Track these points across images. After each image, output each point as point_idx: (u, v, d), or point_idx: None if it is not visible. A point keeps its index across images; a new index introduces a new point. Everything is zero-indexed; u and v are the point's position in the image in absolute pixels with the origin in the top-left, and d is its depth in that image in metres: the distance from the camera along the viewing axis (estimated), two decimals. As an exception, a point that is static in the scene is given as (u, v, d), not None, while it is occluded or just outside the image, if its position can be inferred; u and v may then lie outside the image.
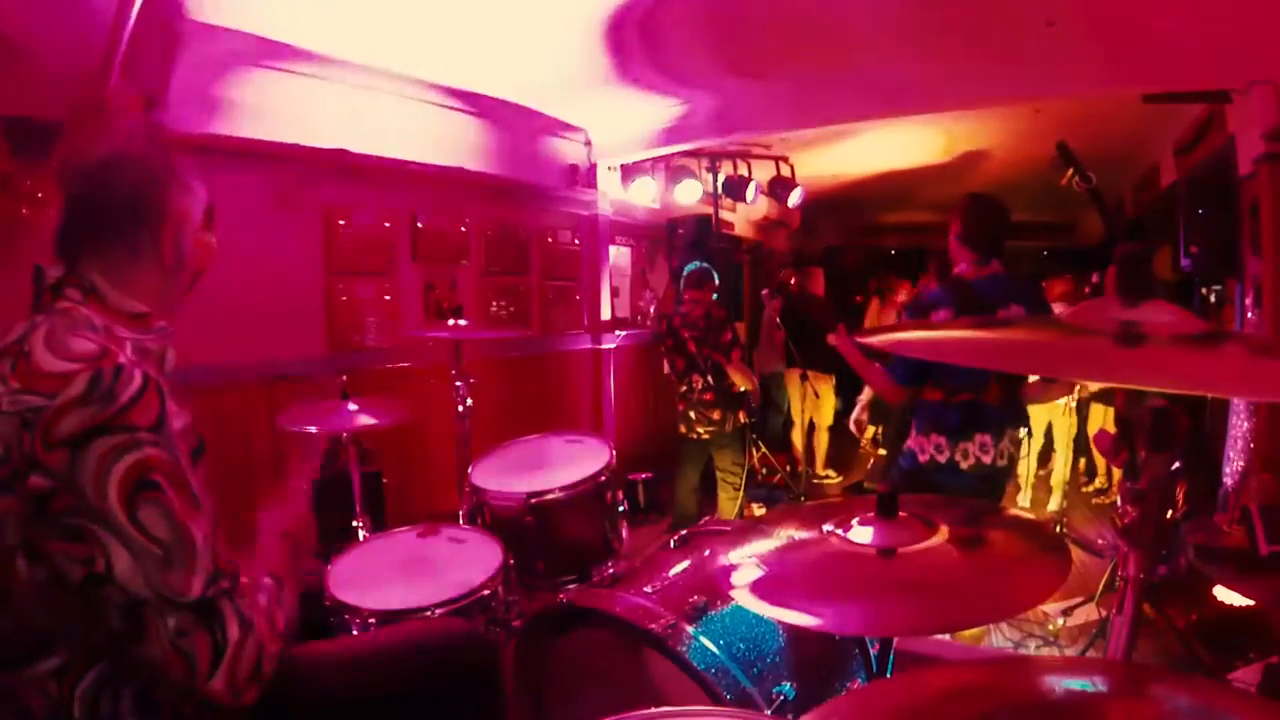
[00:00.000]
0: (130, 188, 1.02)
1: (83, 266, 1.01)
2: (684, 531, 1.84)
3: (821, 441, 5.63)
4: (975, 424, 2.30)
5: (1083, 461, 5.06)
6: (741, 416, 3.78)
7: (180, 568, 0.88)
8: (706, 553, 1.13)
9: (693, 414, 3.74)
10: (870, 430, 6.32)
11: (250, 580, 1.03)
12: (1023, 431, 2.36)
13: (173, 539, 0.88)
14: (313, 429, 2.06)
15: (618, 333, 4.82)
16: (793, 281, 5.44)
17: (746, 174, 4.94)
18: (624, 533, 2.28)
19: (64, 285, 0.99)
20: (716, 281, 3.83)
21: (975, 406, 2.29)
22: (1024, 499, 4.90)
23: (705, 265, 3.86)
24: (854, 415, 3.30)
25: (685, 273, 3.84)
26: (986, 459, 2.29)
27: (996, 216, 2.38)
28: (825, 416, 5.56)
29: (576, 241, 4.56)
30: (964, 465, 2.31)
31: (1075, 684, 0.59)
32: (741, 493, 3.87)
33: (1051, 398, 2.45)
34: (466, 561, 1.81)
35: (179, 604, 0.87)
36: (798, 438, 5.57)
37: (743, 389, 3.75)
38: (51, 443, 0.85)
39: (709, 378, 3.67)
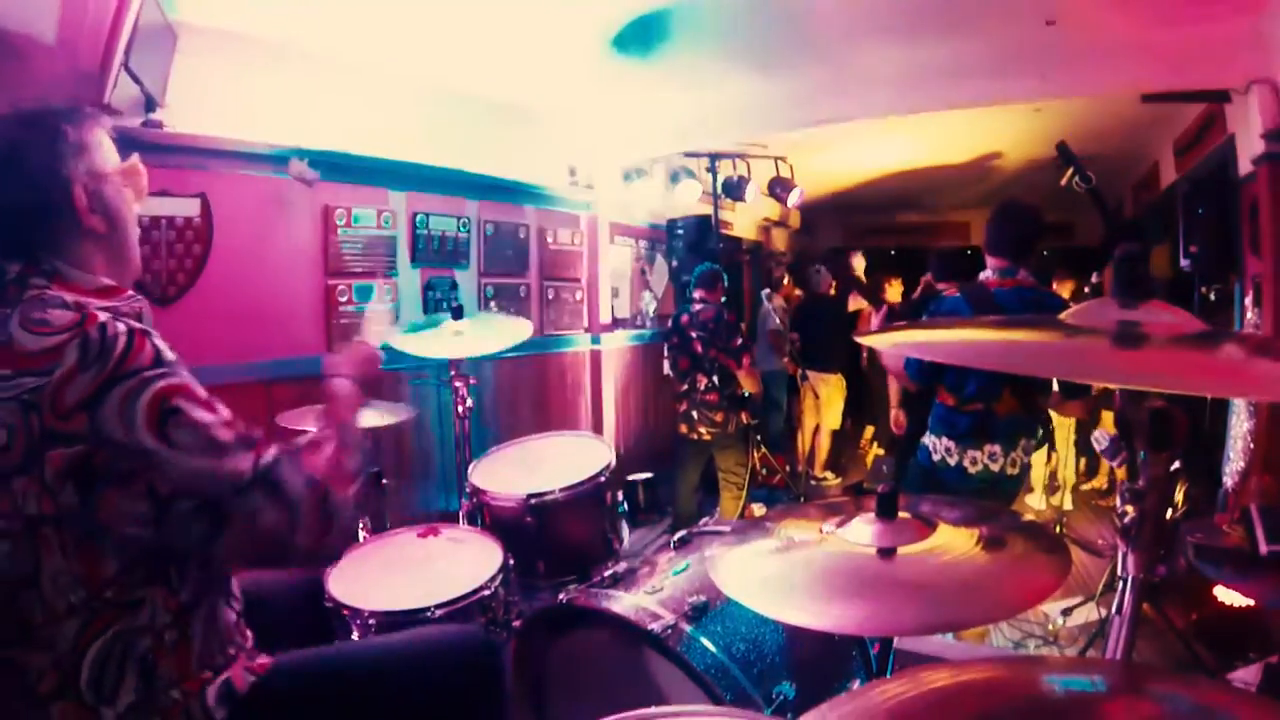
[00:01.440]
0: (30, 172, 1.02)
1: (38, 256, 1.02)
2: (684, 531, 1.84)
3: (823, 444, 5.63)
4: (985, 433, 2.28)
5: (1083, 461, 5.07)
6: (744, 418, 3.77)
7: (225, 459, 0.96)
8: (706, 553, 1.13)
9: (695, 414, 3.73)
10: (869, 430, 6.32)
11: (317, 435, 1.13)
12: (1035, 440, 2.35)
13: (208, 442, 0.95)
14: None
15: (617, 333, 4.82)
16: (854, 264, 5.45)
17: (746, 174, 4.94)
18: (624, 533, 2.28)
19: (27, 275, 1.01)
20: (726, 283, 3.82)
21: (986, 416, 2.27)
22: (1037, 500, 4.90)
23: (715, 266, 3.84)
24: (892, 416, 3.38)
25: (696, 273, 3.84)
26: (995, 467, 2.28)
27: (1022, 223, 2.30)
28: (830, 419, 5.55)
29: (576, 241, 4.56)
30: (971, 470, 2.30)
31: (1075, 684, 0.59)
32: (744, 493, 3.87)
33: (1069, 414, 2.40)
34: (466, 562, 1.81)
35: (241, 485, 0.96)
36: (801, 437, 5.58)
37: (747, 392, 3.74)
38: (63, 413, 0.88)
39: (713, 379, 3.66)
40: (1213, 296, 3.71)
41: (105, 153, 1.09)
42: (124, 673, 0.95)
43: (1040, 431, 2.35)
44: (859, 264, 5.63)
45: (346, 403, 1.23)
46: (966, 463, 2.31)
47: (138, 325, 0.97)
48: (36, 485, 0.89)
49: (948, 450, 2.34)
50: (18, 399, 0.88)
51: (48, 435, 0.88)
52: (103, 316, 0.94)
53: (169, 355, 0.98)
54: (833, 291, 5.57)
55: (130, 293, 1.09)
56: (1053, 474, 4.96)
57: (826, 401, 5.45)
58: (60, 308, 0.95)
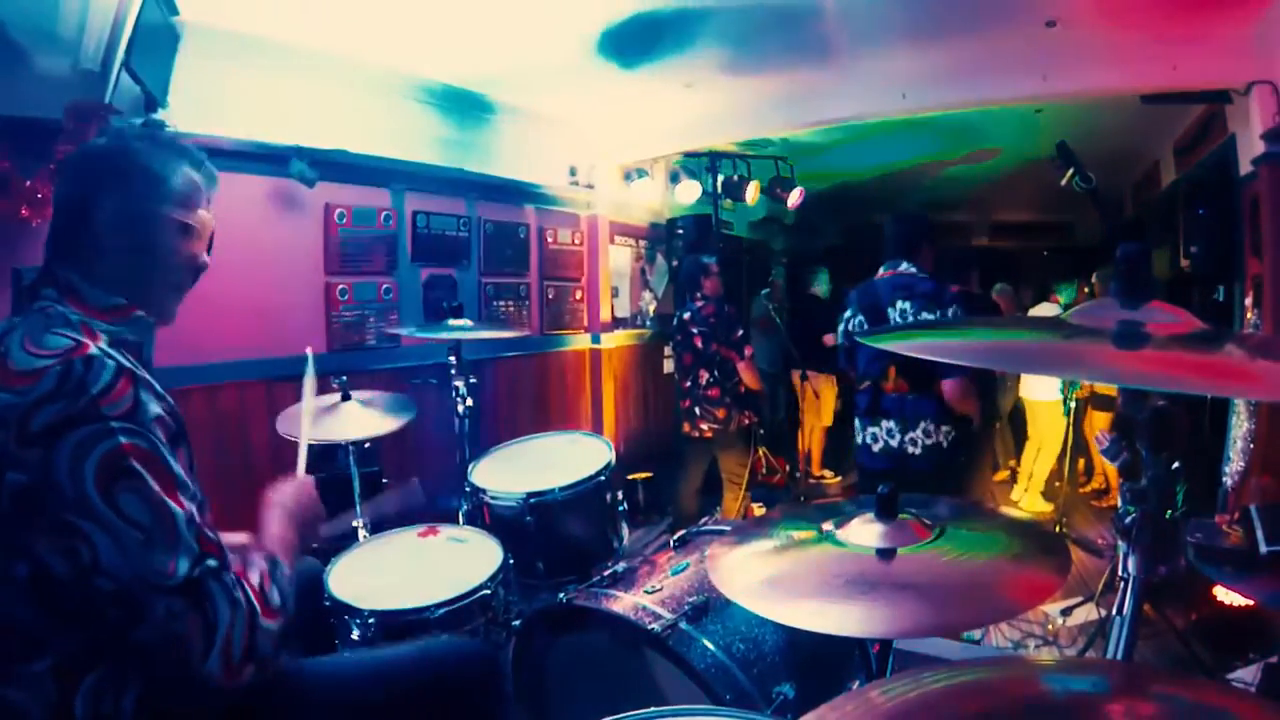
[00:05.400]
0: (87, 183, 1.04)
1: (60, 264, 1.02)
2: (684, 531, 1.84)
3: (817, 442, 5.64)
4: (877, 409, 2.49)
5: (1082, 461, 5.07)
6: (748, 416, 3.76)
7: (164, 550, 0.88)
8: (706, 553, 1.13)
9: (697, 410, 3.71)
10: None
11: (245, 559, 1.03)
12: (941, 424, 2.44)
13: (153, 522, 0.88)
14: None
15: (617, 332, 4.83)
16: None
17: (746, 174, 4.94)
18: (624, 533, 2.28)
19: (40, 285, 1.01)
20: (715, 272, 3.76)
21: (876, 392, 2.49)
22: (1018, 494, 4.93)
23: (700, 258, 3.80)
24: None
25: (684, 268, 3.83)
26: (893, 443, 2.46)
27: (901, 226, 2.64)
28: (824, 417, 5.56)
29: (576, 241, 4.56)
30: (875, 448, 2.51)
31: (1075, 684, 0.59)
32: (742, 491, 3.87)
33: (968, 408, 2.48)
34: (466, 561, 1.81)
35: (166, 587, 0.87)
36: (803, 437, 5.59)
37: (749, 389, 3.73)
38: (26, 439, 0.85)
39: (715, 373, 3.65)
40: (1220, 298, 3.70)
41: (157, 184, 1.06)
42: (120, 706, 0.91)
43: (951, 417, 2.45)
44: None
45: (281, 541, 1.12)
46: (869, 439, 2.53)
47: (129, 365, 0.93)
48: None
49: (857, 428, 2.58)
50: None
51: (7, 456, 0.85)
52: (95, 348, 0.91)
53: (152, 411, 0.93)
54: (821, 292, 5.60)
55: (140, 313, 1.07)
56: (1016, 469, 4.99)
57: (823, 401, 5.47)
58: (63, 329, 0.94)
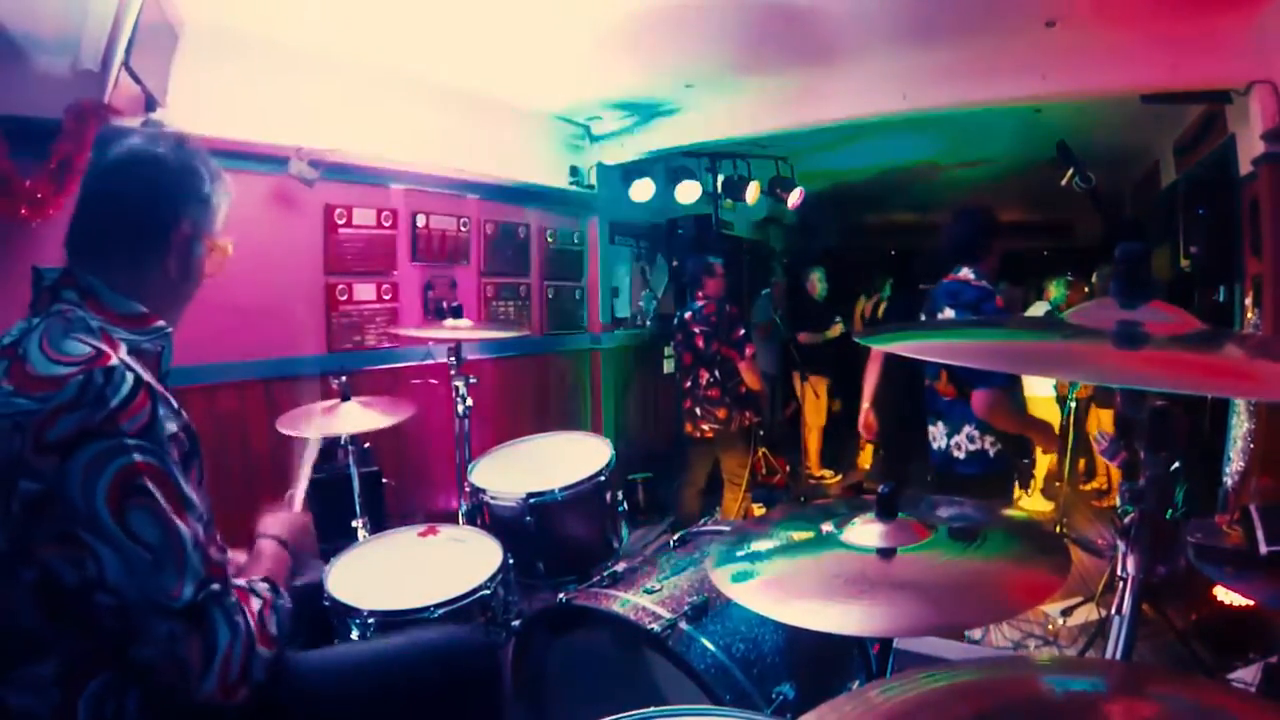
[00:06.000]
0: (142, 192, 1.03)
1: (84, 266, 1.01)
2: (684, 531, 1.84)
3: (815, 442, 5.64)
4: (933, 411, 2.48)
5: (1083, 461, 5.06)
6: (749, 416, 3.76)
7: (170, 572, 0.88)
8: (707, 553, 1.13)
9: (698, 410, 3.70)
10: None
11: (246, 584, 1.03)
12: (985, 432, 2.36)
13: (162, 543, 0.88)
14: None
15: (617, 333, 4.83)
16: None
17: (746, 174, 4.94)
18: (624, 532, 2.28)
19: (61, 286, 0.99)
20: (719, 273, 3.75)
21: (931, 394, 2.47)
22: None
23: (708, 259, 3.80)
24: (861, 418, 3.04)
25: (690, 268, 3.83)
26: (939, 445, 2.45)
27: (956, 227, 2.48)
28: (819, 417, 5.57)
29: (576, 241, 4.56)
30: (934, 446, 2.49)
31: (1075, 684, 0.59)
32: (742, 491, 3.87)
33: (1001, 424, 2.40)
34: (466, 561, 1.81)
35: (170, 609, 0.87)
36: (806, 437, 5.60)
37: (751, 389, 3.72)
38: (41, 447, 0.85)
39: (715, 373, 3.65)
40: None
41: (215, 215, 1.12)
42: (124, 709, 0.91)
43: (995, 427, 2.37)
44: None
45: (276, 567, 1.13)
46: (930, 439, 2.50)
47: (148, 380, 0.93)
48: (4, 510, 0.86)
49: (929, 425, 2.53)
50: (11, 418, 0.85)
51: (22, 463, 0.85)
52: (116, 359, 0.91)
53: (167, 428, 0.93)
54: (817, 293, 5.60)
55: (161, 323, 1.06)
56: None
57: (821, 401, 5.48)
58: (84, 334, 0.93)
